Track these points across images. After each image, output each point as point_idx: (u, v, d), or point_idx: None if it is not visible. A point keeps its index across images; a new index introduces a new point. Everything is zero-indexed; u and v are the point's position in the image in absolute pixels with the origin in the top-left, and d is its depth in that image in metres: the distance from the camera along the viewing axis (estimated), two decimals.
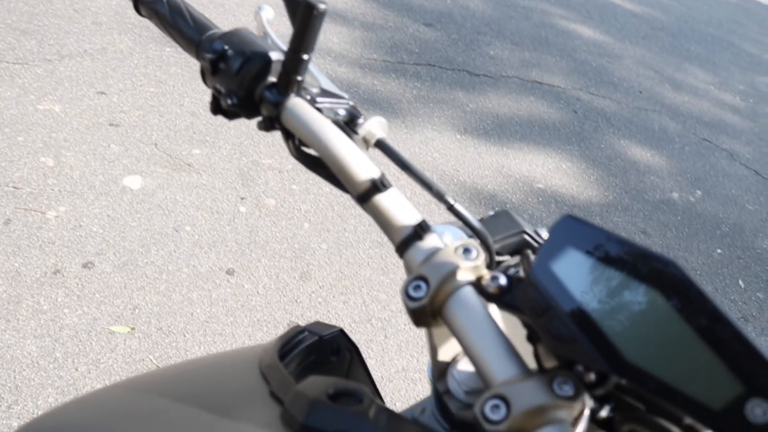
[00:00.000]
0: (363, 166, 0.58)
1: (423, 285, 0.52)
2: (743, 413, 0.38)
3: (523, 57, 4.47)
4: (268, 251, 2.31)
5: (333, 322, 0.74)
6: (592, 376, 0.47)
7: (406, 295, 0.52)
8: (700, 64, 5.58)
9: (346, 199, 2.63)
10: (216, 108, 0.67)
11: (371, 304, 2.22)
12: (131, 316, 1.95)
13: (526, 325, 0.51)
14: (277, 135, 2.83)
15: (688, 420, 0.50)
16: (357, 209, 2.58)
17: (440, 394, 0.58)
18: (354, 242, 2.46)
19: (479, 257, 0.53)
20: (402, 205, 0.57)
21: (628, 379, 0.42)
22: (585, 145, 3.67)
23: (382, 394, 0.56)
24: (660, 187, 3.55)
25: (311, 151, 0.63)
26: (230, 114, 0.67)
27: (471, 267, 0.52)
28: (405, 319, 2.20)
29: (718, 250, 3.26)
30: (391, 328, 2.17)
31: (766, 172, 4.17)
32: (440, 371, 0.59)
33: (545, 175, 3.30)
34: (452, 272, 0.52)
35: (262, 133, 2.82)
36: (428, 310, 0.52)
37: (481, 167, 3.18)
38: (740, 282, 3.11)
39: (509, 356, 0.49)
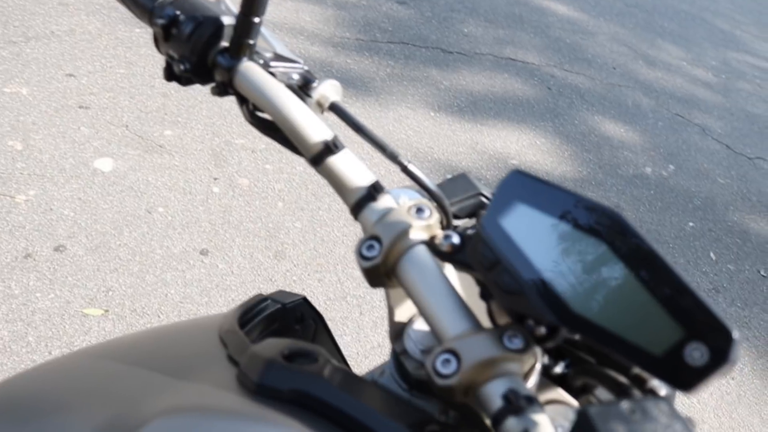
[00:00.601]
0: (315, 128, 0.58)
1: (376, 244, 0.52)
2: (682, 357, 0.39)
3: (496, 34, 4.47)
4: (242, 231, 2.30)
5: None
6: (542, 330, 0.47)
7: (360, 255, 0.52)
8: (673, 41, 5.62)
9: (320, 178, 2.63)
10: (169, 74, 0.67)
11: (346, 282, 2.23)
12: (104, 298, 1.94)
13: (479, 283, 0.51)
14: None
15: (636, 370, 0.51)
16: (331, 188, 2.57)
17: (397, 355, 0.58)
18: (328, 220, 2.46)
19: (432, 216, 0.54)
20: (355, 166, 0.57)
21: (574, 329, 0.42)
22: (559, 121, 3.69)
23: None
24: (633, 162, 3.58)
25: (265, 116, 0.63)
26: (184, 80, 0.67)
27: (423, 226, 0.53)
28: (380, 296, 2.20)
29: (690, 224, 3.30)
30: (366, 305, 2.17)
31: (737, 146, 4.22)
32: (397, 332, 0.59)
33: (519, 152, 3.31)
34: (404, 231, 0.52)
35: (235, 113, 2.80)
36: (382, 270, 0.52)
37: (455, 144, 3.18)
38: (711, 254, 3.16)
39: (461, 312, 0.49)
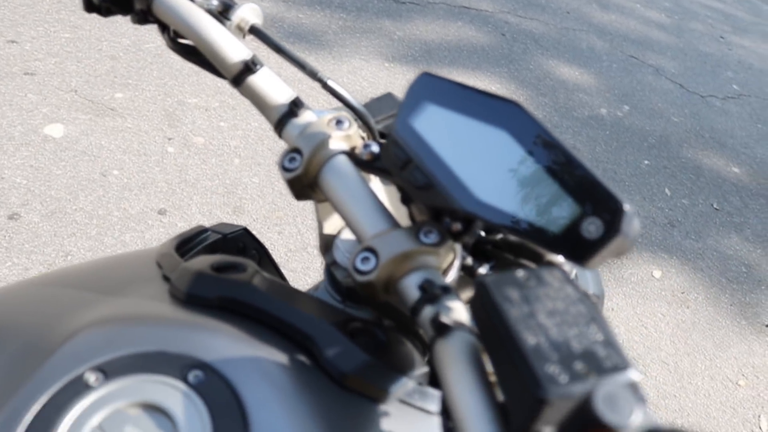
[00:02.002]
0: (233, 48, 0.58)
1: (297, 156, 0.53)
2: (580, 232, 0.41)
3: None
4: (199, 189, 2.29)
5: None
6: (458, 226, 0.49)
7: (282, 168, 0.54)
8: None
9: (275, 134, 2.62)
10: (89, 5, 0.67)
11: (306, 233, 2.24)
12: (63, 263, 1.93)
13: (399, 188, 0.53)
14: (203, 74, 2.77)
15: (549, 257, 0.54)
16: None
17: (328, 267, 0.60)
18: None
19: (351, 128, 0.55)
20: (275, 84, 0.58)
21: (481, 216, 0.45)
22: (514, 66, 3.71)
23: None
24: (588, 104, 3.62)
25: (186, 41, 0.64)
26: (103, 11, 0.67)
27: (343, 136, 0.54)
28: None
29: (646, 161, 3.37)
30: None
31: (690, 85, 4.29)
32: (327, 245, 0.61)
33: None
34: (324, 141, 0.53)
35: (186, 72, 2.77)
36: (305, 181, 0.54)
37: None
38: (666, 190, 3.23)
39: (379, 214, 0.51)
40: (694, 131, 3.78)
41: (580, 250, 0.41)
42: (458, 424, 0.37)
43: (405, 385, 0.49)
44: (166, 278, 0.55)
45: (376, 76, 3.21)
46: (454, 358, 0.40)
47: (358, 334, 0.50)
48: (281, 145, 2.57)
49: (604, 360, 0.34)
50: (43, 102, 2.46)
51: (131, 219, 2.12)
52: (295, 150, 0.54)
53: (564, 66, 3.89)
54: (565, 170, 0.43)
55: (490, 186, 0.45)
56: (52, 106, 2.45)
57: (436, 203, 0.47)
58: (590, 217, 0.41)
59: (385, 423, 0.47)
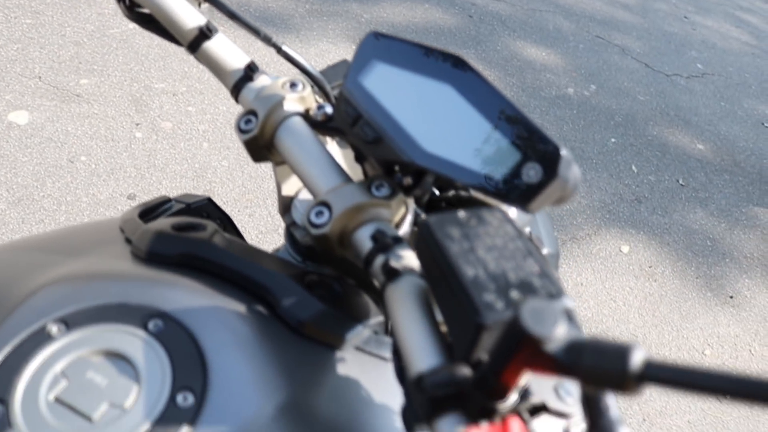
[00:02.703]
0: (188, 15, 0.60)
1: (253, 118, 0.55)
2: (520, 176, 0.43)
3: None
4: (168, 173, 2.29)
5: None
6: (409, 180, 0.51)
7: (238, 129, 0.55)
8: None
9: None
10: None
11: (276, 216, 2.25)
12: None
13: (352, 147, 0.55)
14: (169, 59, 2.75)
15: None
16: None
17: (288, 227, 0.62)
18: None
19: (305, 90, 0.57)
20: (230, 49, 0.60)
21: (427, 166, 0.46)
22: (481, 48, 3.73)
23: None
24: (556, 84, 3.66)
25: (143, 10, 0.64)
26: None
27: (297, 98, 0.56)
28: None
29: (612, 140, 3.42)
30: None
31: (655, 64, 4.35)
32: (285, 206, 0.63)
33: None
34: (278, 103, 0.55)
35: (153, 58, 2.75)
36: (261, 142, 0.55)
37: None
38: (633, 167, 3.29)
39: (333, 171, 0.53)
40: (659, 109, 3.84)
41: (523, 194, 0.43)
42: (407, 360, 0.39)
43: (361, 333, 0.51)
44: (128, 240, 0.57)
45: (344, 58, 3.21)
46: (402, 299, 0.42)
47: (314, 286, 0.52)
48: None
49: (539, 289, 0.36)
50: (6, 89, 2.43)
51: (100, 204, 2.11)
52: (251, 112, 0.55)
53: (531, 46, 3.93)
54: (506, 120, 0.45)
55: (436, 138, 0.47)
56: (15, 92, 2.42)
57: (385, 156, 0.49)
58: (530, 163, 0.44)
59: (341, 368, 0.49)
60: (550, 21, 4.33)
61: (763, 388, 0.25)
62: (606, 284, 2.68)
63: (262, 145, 0.55)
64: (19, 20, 2.75)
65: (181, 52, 2.80)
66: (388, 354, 0.52)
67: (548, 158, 0.43)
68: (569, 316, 0.33)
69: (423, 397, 0.36)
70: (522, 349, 0.31)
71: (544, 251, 0.69)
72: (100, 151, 2.30)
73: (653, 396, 2.38)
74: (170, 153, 2.37)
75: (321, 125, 0.55)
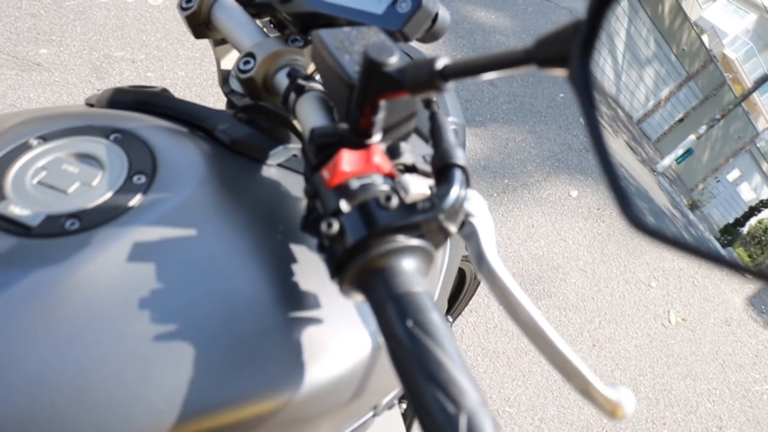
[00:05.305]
0: None
1: None
2: (396, 9, 0.56)
3: None
4: None
5: None
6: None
7: (180, 8, 0.66)
8: None
9: (203, 80, 2.71)
10: None
11: None
12: None
13: (273, 18, 0.67)
14: (127, 29, 2.82)
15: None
16: (217, 88, 2.66)
17: (227, 95, 0.73)
18: None
19: None
20: None
21: (324, 12, 0.58)
22: None
23: None
24: (505, 45, 3.79)
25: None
26: None
27: None
28: None
29: (561, 94, 3.57)
30: None
31: None
32: (224, 78, 0.74)
33: None
34: None
35: (111, 28, 2.81)
36: (199, 18, 0.66)
37: None
38: (581, 119, 3.44)
39: (258, 32, 0.64)
40: None
41: (397, 20, 0.56)
42: (305, 140, 0.51)
43: (284, 152, 0.63)
44: (90, 105, 0.68)
45: None
46: (308, 105, 0.54)
47: (245, 121, 0.64)
48: (210, 91, 2.66)
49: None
50: None
51: None
52: None
53: (481, 10, 4.05)
54: None
55: None
56: None
57: (296, 9, 0.60)
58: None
59: (265, 178, 0.61)
60: None
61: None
62: (556, 226, 2.83)
63: (200, 21, 0.67)
64: None
65: (139, 22, 2.88)
66: None
67: None
68: (400, 56, 0.45)
69: (313, 145, 0.48)
70: (371, 77, 0.43)
71: (450, 119, 0.82)
72: None
73: (602, 324, 2.54)
74: None
75: (248, 2, 0.67)
